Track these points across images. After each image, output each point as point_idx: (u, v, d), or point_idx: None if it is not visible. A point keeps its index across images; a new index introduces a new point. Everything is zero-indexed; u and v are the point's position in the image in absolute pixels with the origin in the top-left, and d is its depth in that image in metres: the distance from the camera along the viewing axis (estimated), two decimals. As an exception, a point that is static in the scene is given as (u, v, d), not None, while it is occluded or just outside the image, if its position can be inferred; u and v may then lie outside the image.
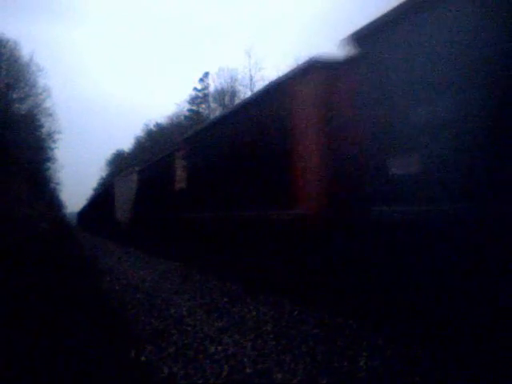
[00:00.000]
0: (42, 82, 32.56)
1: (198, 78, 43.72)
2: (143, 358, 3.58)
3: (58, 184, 42.77)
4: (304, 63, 5.43)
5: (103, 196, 28.85)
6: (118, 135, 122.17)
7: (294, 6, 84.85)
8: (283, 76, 6.21)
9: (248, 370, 3.28)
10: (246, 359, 3.50)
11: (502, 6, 3.14)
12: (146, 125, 48.99)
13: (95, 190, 62.30)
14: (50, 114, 33.32)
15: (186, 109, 43.08)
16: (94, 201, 38.85)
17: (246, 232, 6.80)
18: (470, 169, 3.32)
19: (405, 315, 3.88)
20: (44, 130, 33.42)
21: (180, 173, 10.55)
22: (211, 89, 41.36)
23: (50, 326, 4.01)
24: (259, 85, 32.67)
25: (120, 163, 54.19)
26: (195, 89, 43.36)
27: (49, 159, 36.10)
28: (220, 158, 8.17)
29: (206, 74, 42.68)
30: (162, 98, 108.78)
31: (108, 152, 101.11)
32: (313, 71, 5.22)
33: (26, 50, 47.00)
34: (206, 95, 42.72)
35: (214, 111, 38.17)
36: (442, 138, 3.52)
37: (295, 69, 5.80)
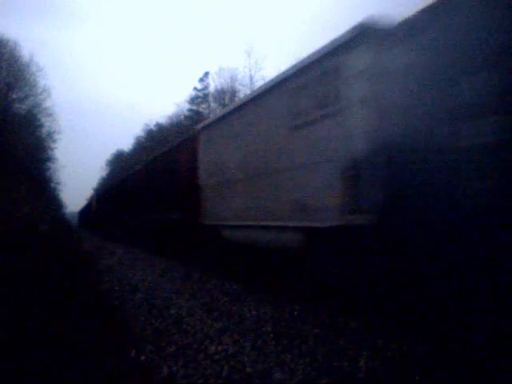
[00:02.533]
0: (42, 82, 32.53)
1: (198, 78, 43.75)
2: (143, 358, 3.58)
3: (58, 184, 42.68)
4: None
5: (140, 177, 15.70)
6: (117, 135, 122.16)
7: (294, 6, 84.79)
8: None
9: (248, 370, 3.28)
10: (246, 359, 3.50)
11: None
12: (146, 125, 48.96)
13: (95, 189, 62.15)
14: (50, 114, 33.29)
15: (186, 109, 43.07)
16: (114, 190, 23.66)
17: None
18: None
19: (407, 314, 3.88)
20: (44, 130, 33.39)
21: None
22: (211, 88, 41.35)
23: (50, 326, 4.01)
24: (259, 84, 32.64)
25: (120, 163, 54.14)
26: (195, 88, 43.35)
27: (49, 159, 36.05)
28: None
29: (206, 74, 42.68)
30: (162, 98, 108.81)
31: (108, 152, 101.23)
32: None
33: (25, 50, 47.07)
34: (206, 95, 42.68)
35: (214, 111, 38.15)
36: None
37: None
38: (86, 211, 46.29)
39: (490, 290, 3.26)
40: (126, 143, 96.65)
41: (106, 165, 64.73)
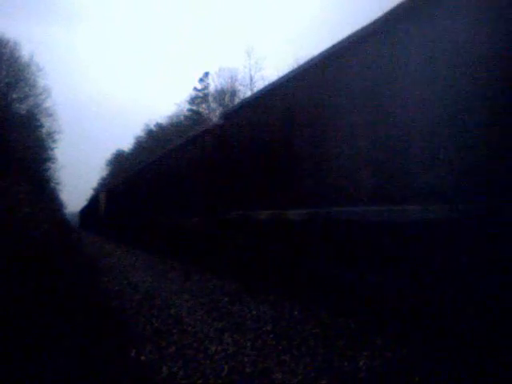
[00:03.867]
0: (41, 82, 32.63)
1: (198, 78, 43.78)
2: (143, 358, 3.58)
3: (58, 184, 42.66)
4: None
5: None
6: (118, 135, 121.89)
7: (294, 7, 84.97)
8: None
9: (248, 370, 3.28)
10: (245, 359, 3.50)
11: None
12: (146, 125, 48.96)
13: (95, 189, 62.02)
14: (50, 114, 33.43)
15: (186, 109, 43.09)
16: (144, 177, 14.82)
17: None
18: None
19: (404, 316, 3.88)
20: (44, 130, 33.48)
21: None
22: (211, 89, 41.42)
23: (49, 326, 4.01)
24: (259, 84, 32.70)
25: (120, 163, 54.13)
26: (195, 89, 43.36)
27: (49, 159, 36.06)
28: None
29: (206, 74, 42.69)
30: (162, 98, 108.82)
31: (108, 152, 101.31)
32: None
33: (26, 50, 47.20)
34: (206, 95, 42.70)
35: (215, 111, 38.19)
36: None
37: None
38: (90, 211, 38.10)
39: None
40: (126, 143, 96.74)
41: (106, 165, 64.72)
